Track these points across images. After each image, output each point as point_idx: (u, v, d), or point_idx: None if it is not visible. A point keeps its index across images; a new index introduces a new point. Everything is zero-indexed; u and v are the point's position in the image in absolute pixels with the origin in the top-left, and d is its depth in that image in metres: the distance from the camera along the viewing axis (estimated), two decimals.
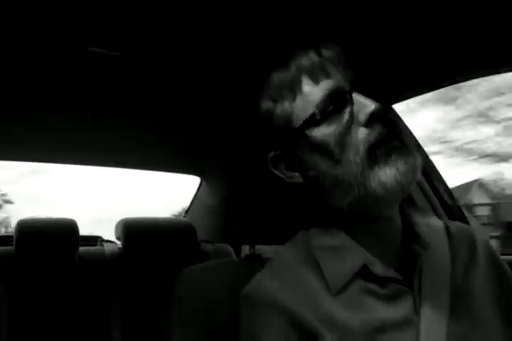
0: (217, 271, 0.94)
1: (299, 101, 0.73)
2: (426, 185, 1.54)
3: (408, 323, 0.69)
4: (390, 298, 0.71)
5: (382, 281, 0.71)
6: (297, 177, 0.77)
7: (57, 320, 1.64)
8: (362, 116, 0.69)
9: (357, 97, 0.70)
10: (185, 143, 1.92)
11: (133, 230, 1.82)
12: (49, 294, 1.67)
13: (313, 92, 0.72)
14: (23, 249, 1.68)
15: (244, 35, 1.07)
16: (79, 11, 0.98)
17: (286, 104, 0.75)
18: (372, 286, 0.71)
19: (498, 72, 1.20)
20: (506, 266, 0.81)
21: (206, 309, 0.88)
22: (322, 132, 0.71)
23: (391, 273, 0.72)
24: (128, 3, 0.96)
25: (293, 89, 0.73)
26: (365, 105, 0.69)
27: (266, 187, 0.92)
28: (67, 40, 1.11)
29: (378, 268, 0.72)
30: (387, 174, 0.68)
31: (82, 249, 1.77)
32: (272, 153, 0.78)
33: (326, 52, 0.74)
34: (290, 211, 0.90)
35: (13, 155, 1.97)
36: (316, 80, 0.72)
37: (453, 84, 1.26)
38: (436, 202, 1.54)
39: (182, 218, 2.32)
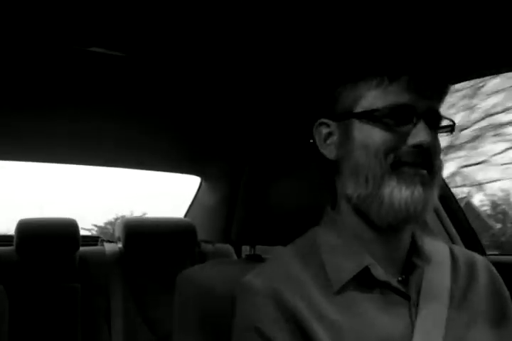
0: (218, 271, 0.94)
1: (376, 92, 0.74)
2: (443, 213, 1.55)
3: (402, 334, 0.70)
4: (386, 307, 0.72)
5: (381, 287, 0.73)
6: (330, 151, 0.79)
7: (57, 320, 1.64)
8: (412, 140, 0.72)
9: (421, 124, 0.72)
10: (185, 143, 1.92)
11: (133, 230, 1.82)
12: (49, 293, 1.67)
13: (394, 92, 0.73)
14: (24, 248, 1.68)
15: (245, 34, 1.07)
16: (80, 11, 0.98)
17: (362, 89, 0.76)
18: (371, 293, 0.73)
19: (499, 72, 1.21)
20: (505, 288, 0.82)
21: (207, 309, 0.88)
22: (371, 128, 0.74)
23: (391, 279, 0.74)
24: (128, 3, 0.95)
25: (379, 81, 0.74)
26: (420, 134, 0.72)
27: (266, 187, 0.92)
28: (68, 40, 1.11)
29: (379, 272, 0.73)
30: (401, 192, 0.71)
31: (82, 248, 1.77)
32: (322, 120, 0.80)
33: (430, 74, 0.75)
34: (291, 211, 0.90)
35: (13, 155, 1.97)
36: (407, 87, 0.73)
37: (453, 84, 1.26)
38: (453, 230, 1.54)
39: (182, 218, 2.32)
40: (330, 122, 0.79)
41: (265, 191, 0.92)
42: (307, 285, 0.73)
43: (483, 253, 1.55)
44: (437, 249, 0.82)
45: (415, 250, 0.78)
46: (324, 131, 0.80)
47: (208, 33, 1.07)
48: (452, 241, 1.55)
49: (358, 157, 0.74)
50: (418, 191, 0.71)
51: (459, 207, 1.63)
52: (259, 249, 0.99)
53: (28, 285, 1.65)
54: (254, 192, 0.93)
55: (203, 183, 2.27)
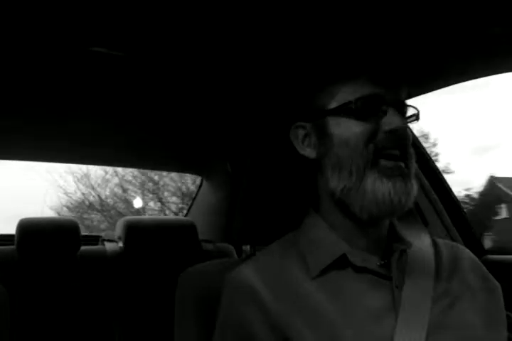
0: (218, 271, 0.94)
1: (346, 88, 0.78)
2: (443, 212, 1.55)
3: (384, 313, 0.72)
4: (368, 289, 0.74)
5: (360, 272, 0.75)
6: (310, 151, 0.82)
7: (58, 319, 1.64)
8: (386, 127, 0.75)
9: (392, 111, 0.76)
10: (186, 142, 1.92)
11: (134, 229, 1.83)
12: (50, 293, 1.67)
13: (362, 86, 0.77)
14: (25, 248, 1.68)
15: (245, 34, 1.07)
16: (80, 11, 0.98)
17: (333, 87, 0.79)
18: (352, 276, 0.75)
19: (499, 72, 1.21)
20: (491, 276, 0.84)
21: (208, 309, 0.88)
22: (347, 121, 0.77)
23: (369, 264, 0.76)
24: (129, 3, 0.96)
25: (348, 77, 0.78)
26: (393, 121, 0.75)
27: (268, 187, 0.92)
28: (68, 40, 1.11)
29: (357, 259, 0.76)
30: (383, 184, 0.73)
31: (83, 248, 1.77)
32: (298, 123, 0.83)
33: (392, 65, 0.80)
34: (292, 211, 0.90)
35: (13, 155, 1.98)
36: (373, 80, 0.77)
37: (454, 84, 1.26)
38: (454, 230, 1.55)
39: (183, 217, 2.33)
40: (305, 124, 0.82)
41: (266, 191, 0.92)
42: (287, 276, 0.76)
43: (483, 252, 1.55)
44: (419, 237, 0.85)
45: (395, 236, 0.81)
46: (301, 133, 0.83)
47: (208, 33, 1.07)
48: (452, 240, 1.55)
49: (339, 152, 0.77)
50: (399, 183, 0.73)
51: (459, 206, 1.63)
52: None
53: (28, 285, 1.65)
54: (256, 191, 0.93)
55: (204, 183, 2.27)
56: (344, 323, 0.70)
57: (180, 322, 0.92)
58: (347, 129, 0.76)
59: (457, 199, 1.63)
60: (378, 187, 0.73)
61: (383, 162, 0.74)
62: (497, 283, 0.84)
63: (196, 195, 2.33)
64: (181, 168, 2.30)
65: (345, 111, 0.77)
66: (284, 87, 0.94)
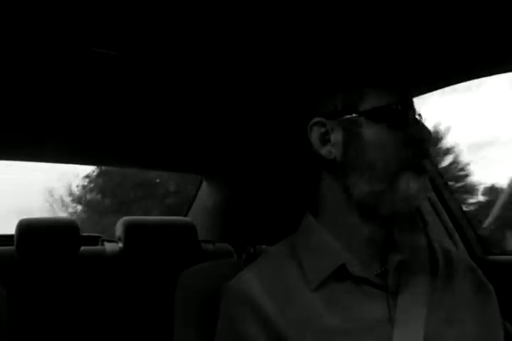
0: (218, 271, 0.94)
1: (378, 92, 0.77)
2: (439, 205, 1.55)
3: (380, 325, 0.72)
4: (365, 300, 0.74)
5: (359, 282, 0.75)
6: (330, 151, 0.77)
7: (58, 320, 1.64)
8: (419, 135, 0.77)
9: (418, 120, 0.79)
10: (186, 142, 1.92)
11: (134, 230, 1.83)
12: (50, 293, 1.67)
13: (391, 93, 0.77)
14: (24, 248, 1.68)
15: (244, 33, 1.07)
16: (78, 11, 0.98)
17: (367, 88, 0.78)
18: (350, 286, 0.74)
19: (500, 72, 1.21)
20: (487, 282, 0.84)
21: (208, 309, 0.88)
22: (380, 126, 0.76)
23: (367, 274, 0.75)
24: (128, 3, 0.96)
25: (382, 82, 0.78)
26: (423, 129, 0.77)
27: (268, 186, 0.92)
28: (67, 40, 1.11)
29: (356, 269, 0.75)
30: (416, 181, 0.74)
31: (83, 248, 1.78)
32: (316, 119, 0.78)
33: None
34: (291, 212, 0.90)
35: (13, 155, 1.98)
36: (396, 88, 0.79)
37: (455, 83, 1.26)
38: (452, 228, 1.55)
39: (183, 217, 2.32)
40: (325, 121, 0.78)
41: (267, 190, 0.92)
42: (287, 285, 0.75)
43: (483, 252, 1.55)
44: (416, 241, 0.85)
45: (394, 243, 0.81)
46: (320, 130, 0.78)
47: (207, 33, 1.07)
48: (452, 240, 1.55)
49: (373, 157, 0.74)
50: (426, 179, 0.76)
51: (459, 205, 1.62)
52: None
53: (28, 285, 1.65)
54: (256, 191, 0.93)
55: (203, 182, 2.27)
56: (342, 335, 0.70)
57: (179, 322, 0.92)
58: (382, 135, 0.75)
59: (456, 199, 1.63)
60: (412, 184, 0.74)
61: (415, 160, 0.76)
62: (491, 287, 0.83)
63: (196, 195, 2.32)
64: (181, 168, 2.29)
65: (381, 114, 0.75)
66: (300, 83, 0.89)
